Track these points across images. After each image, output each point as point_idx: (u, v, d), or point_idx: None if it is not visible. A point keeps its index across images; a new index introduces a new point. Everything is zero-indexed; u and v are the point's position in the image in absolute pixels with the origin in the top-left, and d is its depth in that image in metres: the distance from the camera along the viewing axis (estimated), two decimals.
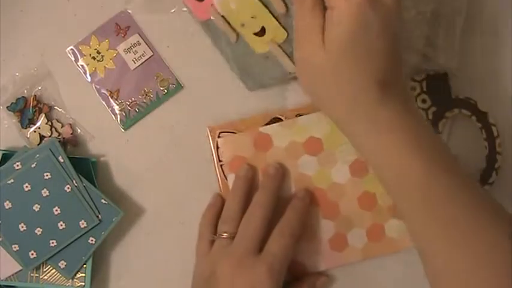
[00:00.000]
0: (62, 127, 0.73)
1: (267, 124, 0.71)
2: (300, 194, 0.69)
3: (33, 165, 0.69)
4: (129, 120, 0.73)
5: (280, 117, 0.71)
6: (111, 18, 0.73)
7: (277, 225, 0.65)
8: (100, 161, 0.73)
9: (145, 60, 0.73)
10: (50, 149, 0.69)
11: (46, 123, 0.72)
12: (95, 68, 0.73)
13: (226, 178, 0.71)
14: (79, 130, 0.73)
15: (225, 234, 0.65)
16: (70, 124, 0.73)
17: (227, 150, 0.71)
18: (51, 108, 0.73)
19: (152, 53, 0.73)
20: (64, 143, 0.73)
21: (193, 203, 0.73)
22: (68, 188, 0.69)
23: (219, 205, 0.70)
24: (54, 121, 0.73)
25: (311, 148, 0.70)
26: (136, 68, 0.73)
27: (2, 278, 0.70)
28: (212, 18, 0.69)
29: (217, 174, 0.71)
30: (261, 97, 0.72)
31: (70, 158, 0.69)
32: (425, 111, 0.70)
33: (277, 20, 0.68)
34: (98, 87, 0.73)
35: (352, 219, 0.70)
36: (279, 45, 0.68)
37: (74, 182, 0.69)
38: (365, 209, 0.70)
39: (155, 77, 0.73)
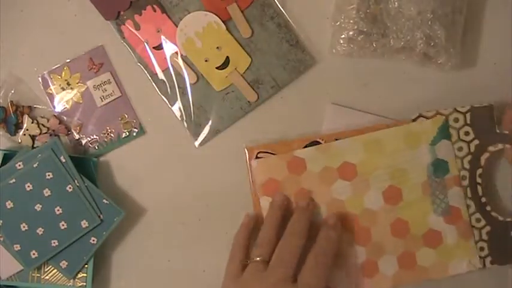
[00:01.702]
0: (48, 121, 0.73)
1: (305, 147, 0.70)
2: (331, 221, 0.68)
3: (35, 165, 0.69)
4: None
5: (319, 140, 0.70)
6: (87, 52, 0.73)
7: (310, 254, 0.65)
8: (101, 160, 0.73)
9: (113, 100, 0.73)
10: (52, 149, 0.69)
11: (32, 123, 0.72)
12: (63, 99, 0.73)
13: (258, 200, 0.71)
14: (65, 118, 0.73)
15: (258, 258, 0.65)
16: (54, 115, 0.73)
17: (261, 172, 0.70)
18: (31, 107, 0.73)
19: (121, 94, 0.73)
20: (59, 136, 0.72)
21: (194, 204, 0.73)
22: (70, 187, 0.69)
23: (251, 226, 0.69)
24: (38, 118, 0.73)
25: (345, 173, 0.70)
26: (102, 105, 0.73)
27: (3, 278, 0.70)
28: (170, 64, 0.72)
29: (253, 194, 0.71)
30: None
31: (72, 158, 0.69)
32: (467, 144, 0.69)
33: (242, 47, 0.72)
34: (64, 118, 0.73)
35: (384, 246, 0.69)
36: (242, 75, 0.72)
37: (76, 181, 0.69)
38: (397, 236, 0.69)
39: (119, 118, 0.73)
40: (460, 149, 0.69)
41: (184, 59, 0.72)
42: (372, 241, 0.69)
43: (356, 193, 0.69)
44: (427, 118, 0.70)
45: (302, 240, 0.65)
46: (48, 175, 0.69)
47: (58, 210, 0.69)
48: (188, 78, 0.72)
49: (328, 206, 0.70)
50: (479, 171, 0.69)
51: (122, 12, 0.72)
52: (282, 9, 0.72)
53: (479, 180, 0.69)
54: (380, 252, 0.69)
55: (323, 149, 0.70)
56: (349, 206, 0.70)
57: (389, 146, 0.69)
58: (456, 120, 0.69)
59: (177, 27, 0.72)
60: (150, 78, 0.72)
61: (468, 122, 0.69)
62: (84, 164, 0.71)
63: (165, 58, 0.72)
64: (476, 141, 0.69)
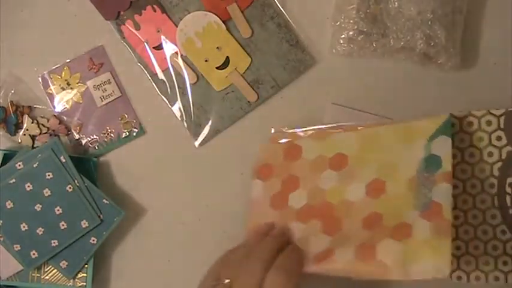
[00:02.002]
0: (48, 121, 0.73)
1: None
2: (291, 247, 0.65)
3: (35, 165, 0.69)
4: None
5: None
6: (87, 52, 0.73)
7: (271, 271, 0.60)
8: (101, 160, 0.73)
9: (113, 100, 0.73)
10: (52, 149, 0.69)
11: (32, 123, 0.72)
12: (63, 99, 0.73)
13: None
14: (65, 118, 0.73)
15: (227, 281, 0.62)
16: (54, 115, 0.73)
17: (260, 156, 0.70)
18: (31, 107, 0.73)
19: (121, 94, 0.73)
20: (59, 136, 0.72)
21: (193, 204, 0.73)
22: (70, 187, 0.69)
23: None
24: (38, 118, 0.73)
25: (335, 164, 0.67)
26: (102, 105, 0.73)
27: (3, 278, 0.70)
28: (170, 64, 0.72)
29: None
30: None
31: (72, 158, 0.69)
32: (499, 150, 0.66)
33: (242, 47, 0.72)
34: (64, 118, 0.73)
35: (350, 237, 0.63)
36: (242, 75, 0.72)
37: (76, 181, 0.69)
38: (367, 229, 0.63)
39: (119, 118, 0.73)
40: (491, 154, 0.66)
41: (184, 59, 0.72)
42: (341, 232, 0.64)
43: (340, 183, 0.66)
44: (457, 118, 0.67)
45: (265, 266, 0.61)
46: (48, 175, 0.69)
47: (58, 210, 0.69)
48: (188, 78, 0.72)
49: (309, 193, 0.67)
50: (510, 180, 0.66)
51: (122, 12, 0.72)
52: (282, 9, 0.72)
53: (508, 190, 0.66)
54: (343, 242, 0.63)
55: (321, 138, 0.69)
56: (329, 195, 0.66)
57: (385, 141, 0.66)
58: (489, 123, 0.66)
59: (177, 27, 0.72)
60: (150, 78, 0.72)
61: (501, 126, 0.66)
62: (84, 164, 0.71)
63: (165, 58, 0.72)
64: (509, 148, 0.66)
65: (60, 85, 0.73)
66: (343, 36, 0.69)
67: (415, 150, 0.64)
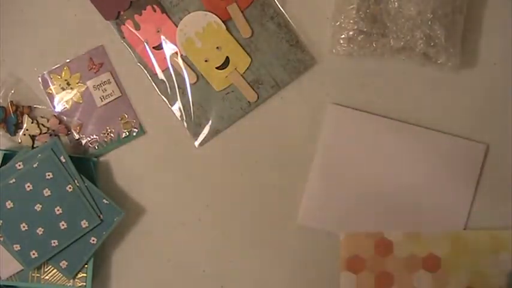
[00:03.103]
0: (48, 121, 0.73)
1: None
2: None
3: (35, 165, 0.69)
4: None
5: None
6: (87, 52, 0.73)
7: None
8: (101, 160, 0.73)
9: (113, 100, 0.73)
10: (52, 149, 0.69)
11: (32, 123, 0.72)
12: (63, 99, 0.73)
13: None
14: (65, 118, 0.73)
15: None
16: (54, 115, 0.73)
17: (347, 247, 0.71)
18: (31, 107, 0.73)
19: (121, 94, 0.73)
20: (59, 136, 0.72)
21: (193, 204, 0.73)
22: (70, 187, 0.69)
23: None
24: (38, 118, 0.73)
25: (429, 264, 0.70)
26: (102, 105, 0.73)
27: (3, 278, 0.70)
28: (170, 64, 0.72)
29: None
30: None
31: (72, 158, 0.69)
32: None
33: (242, 47, 0.72)
34: (64, 118, 0.73)
35: None
36: (242, 75, 0.72)
37: (76, 181, 0.69)
38: None
39: (119, 118, 0.73)
40: None
41: (184, 59, 0.72)
42: None
43: (434, 285, 0.70)
44: None
45: None
46: (48, 175, 0.69)
47: (58, 210, 0.69)
48: (188, 78, 0.72)
49: None
50: None
51: (122, 12, 0.72)
52: (282, 9, 0.72)
53: None
54: None
55: (413, 236, 0.71)
56: None
57: (475, 246, 0.70)
58: None
59: (177, 27, 0.72)
60: (150, 78, 0.72)
61: None
62: (84, 164, 0.71)
63: (165, 58, 0.72)
64: None
65: (60, 85, 0.73)
66: (343, 36, 0.69)
67: (501, 261, 0.70)
